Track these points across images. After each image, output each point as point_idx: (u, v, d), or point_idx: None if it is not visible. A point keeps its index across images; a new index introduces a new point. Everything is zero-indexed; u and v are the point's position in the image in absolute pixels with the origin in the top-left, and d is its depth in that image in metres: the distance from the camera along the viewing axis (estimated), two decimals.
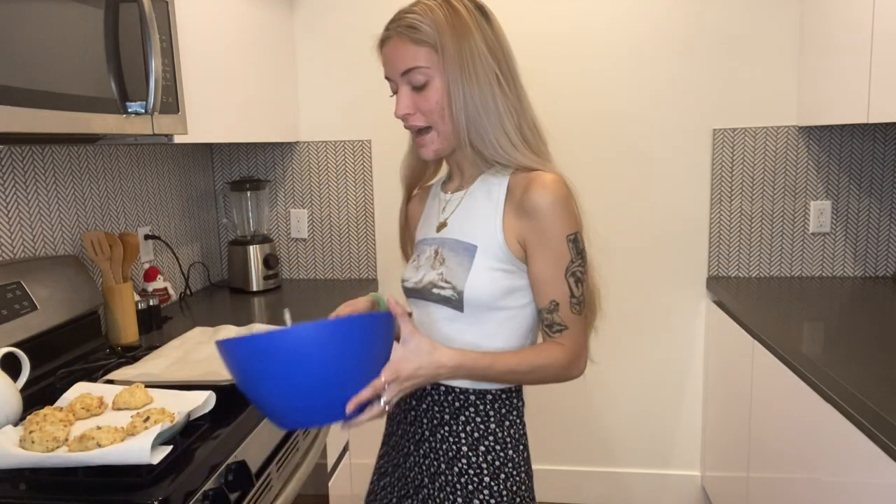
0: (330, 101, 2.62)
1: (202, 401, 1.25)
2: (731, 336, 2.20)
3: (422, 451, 1.13)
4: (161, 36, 1.53)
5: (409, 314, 1.10)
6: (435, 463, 1.11)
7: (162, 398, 1.28)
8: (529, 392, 2.77)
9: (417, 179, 1.25)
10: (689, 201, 2.50)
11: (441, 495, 1.10)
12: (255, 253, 2.49)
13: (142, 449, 1.04)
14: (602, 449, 2.68)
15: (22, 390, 1.29)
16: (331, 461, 1.93)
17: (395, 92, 1.10)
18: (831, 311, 2.04)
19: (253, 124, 2.24)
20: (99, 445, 1.06)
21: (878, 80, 1.81)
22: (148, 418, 1.13)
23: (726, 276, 2.52)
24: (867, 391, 1.34)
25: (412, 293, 1.16)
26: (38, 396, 1.42)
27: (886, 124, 2.36)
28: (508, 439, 1.11)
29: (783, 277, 2.48)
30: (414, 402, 1.15)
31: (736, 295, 2.25)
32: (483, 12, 1.08)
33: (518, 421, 1.14)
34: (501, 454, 1.10)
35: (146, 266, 2.18)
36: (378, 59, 1.14)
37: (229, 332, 1.75)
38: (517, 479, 1.11)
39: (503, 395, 1.12)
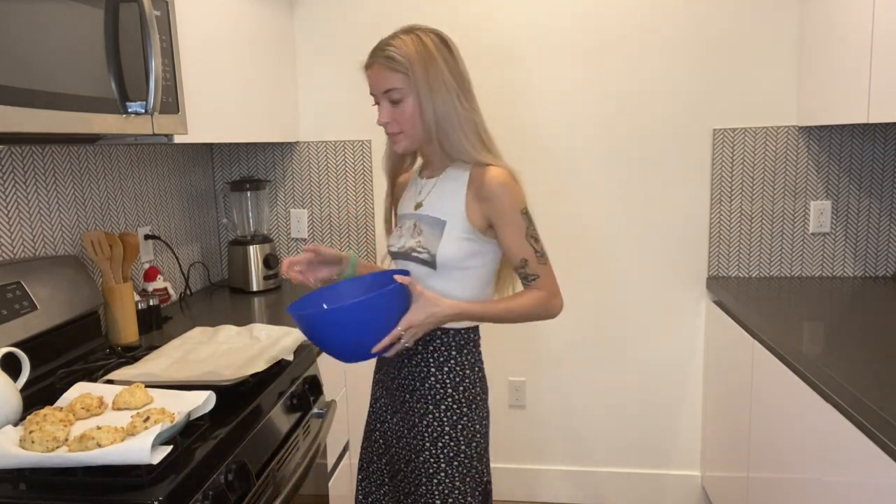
0: (330, 101, 2.62)
1: (202, 401, 1.25)
2: (731, 336, 2.20)
3: (403, 374, 1.48)
4: (161, 36, 1.53)
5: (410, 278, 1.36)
6: (412, 382, 1.47)
7: (162, 398, 1.28)
8: (532, 392, 2.75)
9: (398, 168, 1.60)
10: (689, 201, 2.50)
11: (418, 405, 1.46)
12: (255, 253, 2.49)
13: (142, 449, 1.04)
14: (602, 449, 2.68)
15: (22, 390, 1.29)
16: (331, 461, 1.93)
17: (376, 103, 1.43)
18: (831, 311, 2.04)
19: (253, 124, 2.24)
20: (99, 445, 1.07)
21: (878, 80, 1.81)
22: (148, 418, 1.13)
23: (726, 276, 2.52)
24: (867, 391, 1.34)
25: (396, 255, 1.50)
26: (38, 396, 1.42)
27: (886, 124, 2.36)
28: (465, 362, 1.46)
29: (783, 277, 2.48)
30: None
31: (736, 295, 2.25)
32: (446, 44, 1.41)
33: (474, 349, 1.49)
34: (461, 373, 1.45)
35: (146, 266, 2.18)
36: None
37: (230, 331, 1.76)
38: (472, 391, 1.46)
39: (462, 331, 1.46)
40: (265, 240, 2.56)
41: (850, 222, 2.43)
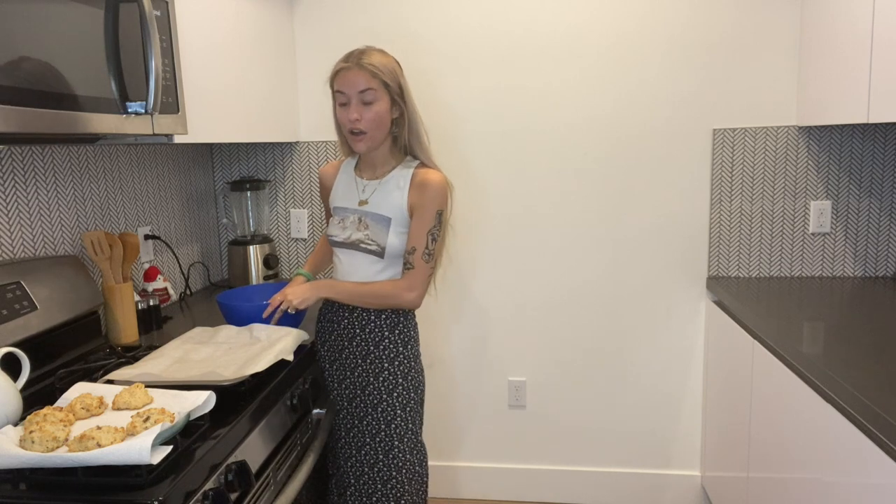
0: (330, 101, 2.61)
1: (202, 401, 1.25)
2: (731, 336, 2.20)
3: (354, 343, 1.72)
4: (161, 36, 1.53)
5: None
6: (365, 347, 1.71)
7: (162, 398, 1.28)
8: (532, 392, 2.74)
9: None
10: (689, 201, 2.50)
11: (371, 367, 1.70)
12: (255, 253, 2.49)
13: (142, 449, 1.04)
14: (602, 449, 2.68)
15: (22, 390, 1.30)
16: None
17: (342, 104, 1.64)
18: (831, 311, 2.04)
19: (253, 124, 2.24)
20: (99, 445, 1.07)
21: (878, 80, 1.81)
22: (148, 418, 1.13)
23: (726, 276, 2.52)
24: (867, 391, 1.35)
25: (341, 245, 1.72)
26: (38, 396, 1.42)
27: (886, 124, 2.36)
28: (409, 324, 1.73)
29: (783, 277, 2.48)
30: (345, 321, 1.74)
31: (736, 295, 2.25)
32: (399, 65, 1.67)
33: (413, 318, 1.75)
34: (408, 333, 1.72)
35: (146, 266, 2.18)
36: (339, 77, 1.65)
37: (230, 331, 1.76)
38: (416, 348, 1.74)
39: (398, 311, 1.71)
40: (265, 240, 2.56)
41: (850, 222, 2.43)
